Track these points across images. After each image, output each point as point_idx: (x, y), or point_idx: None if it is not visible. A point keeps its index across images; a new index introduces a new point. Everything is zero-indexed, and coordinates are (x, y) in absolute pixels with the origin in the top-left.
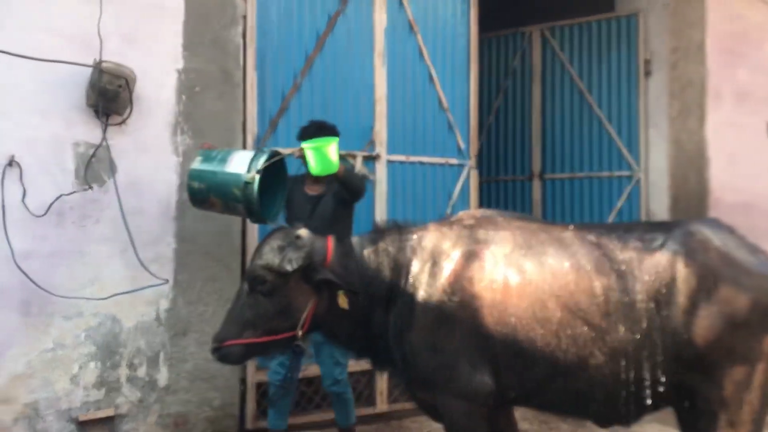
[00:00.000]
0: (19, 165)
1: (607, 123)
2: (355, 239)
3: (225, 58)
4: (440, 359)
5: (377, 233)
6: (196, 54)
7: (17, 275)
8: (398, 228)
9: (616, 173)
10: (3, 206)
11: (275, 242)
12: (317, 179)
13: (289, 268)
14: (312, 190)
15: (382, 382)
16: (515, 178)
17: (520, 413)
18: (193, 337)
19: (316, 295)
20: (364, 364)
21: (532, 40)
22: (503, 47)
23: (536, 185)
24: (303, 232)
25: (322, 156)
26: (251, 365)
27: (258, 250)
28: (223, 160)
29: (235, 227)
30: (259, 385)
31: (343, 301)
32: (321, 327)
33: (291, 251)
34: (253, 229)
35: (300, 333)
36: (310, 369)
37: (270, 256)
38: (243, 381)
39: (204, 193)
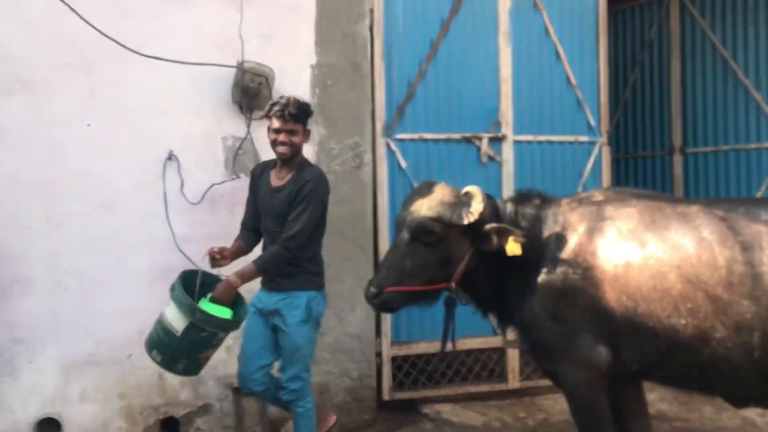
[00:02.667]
0: (177, 159)
1: (754, 91)
2: (499, 201)
3: (354, 51)
4: (560, 328)
5: (520, 199)
6: (328, 49)
7: (179, 257)
8: (539, 197)
9: (766, 144)
10: (165, 195)
11: (444, 196)
12: (282, 167)
13: (464, 222)
14: (276, 181)
15: (513, 359)
16: (654, 154)
17: (658, 394)
18: (332, 312)
19: (473, 249)
20: (494, 342)
21: (669, 8)
22: (638, 18)
23: (677, 160)
24: (474, 189)
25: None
26: (386, 340)
27: (418, 202)
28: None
29: (368, 211)
30: (394, 359)
31: (513, 248)
32: (463, 281)
33: (462, 206)
34: (384, 212)
35: (453, 285)
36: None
37: (441, 209)
38: (379, 355)
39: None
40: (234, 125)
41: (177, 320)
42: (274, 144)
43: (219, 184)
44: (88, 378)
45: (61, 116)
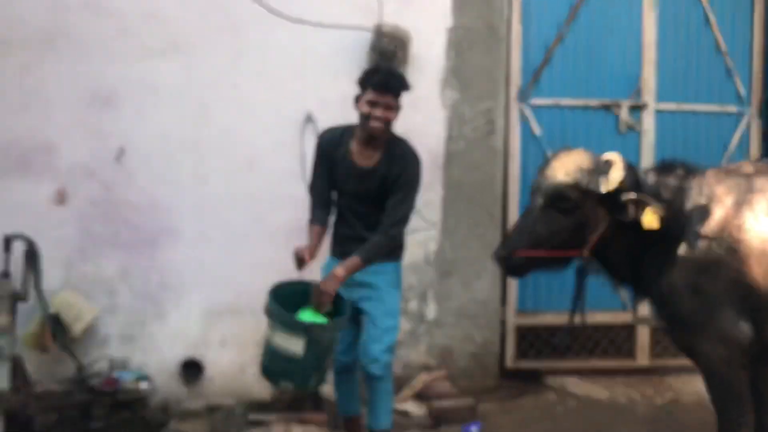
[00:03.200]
0: (314, 120)
1: None
2: (640, 170)
3: (491, 14)
4: (700, 302)
5: (663, 168)
6: (464, 12)
7: None
8: (683, 168)
9: None
10: (302, 155)
11: (582, 162)
12: (368, 144)
13: (603, 190)
14: (363, 160)
15: (643, 336)
16: None
17: None
18: (458, 277)
19: (609, 218)
20: (624, 317)
21: None
22: None
23: None
24: (614, 156)
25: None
26: (511, 309)
27: (555, 167)
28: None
29: (498, 177)
30: (519, 328)
31: (650, 219)
32: (597, 251)
33: (600, 173)
34: (515, 179)
35: (585, 253)
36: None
37: (578, 175)
38: (503, 323)
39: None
40: None
41: (293, 344)
42: (366, 118)
43: None
44: (227, 325)
45: (209, 77)
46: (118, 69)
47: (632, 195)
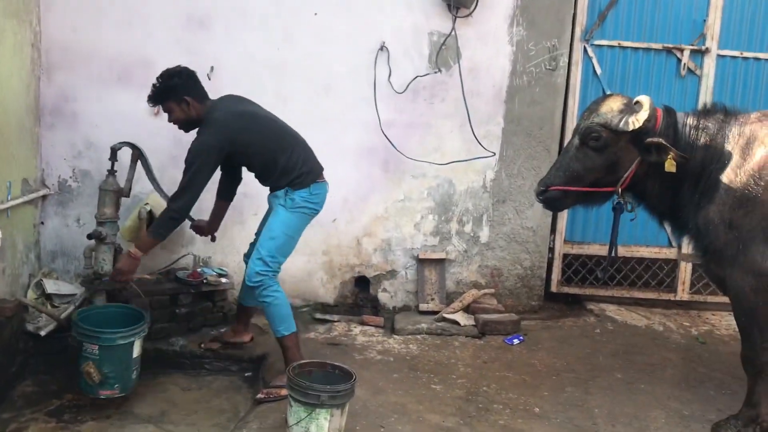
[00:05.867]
0: (387, 50)
1: None
2: (681, 114)
3: None
4: (734, 235)
5: (703, 112)
6: None
7: (382, 139)
8: (724, 111)
9: None
10: (375, 83)
11: (614, 104)
12: None
13: (629, 128)
14: None
15: (685, 272)
16: None
17: None
18: (512, 205)
19: (640, 157)
20: (668, 253)
21: None
22: None
23: None
24: (643, 98)
25: None
26: (559, 237)
27: (591, 110)
28: None
29: (557, 113)
30: (566, 256)
31: (670, 165)
32: (634, 188)
33: (630, 114)
34: (573, 116)
35: (619, 190)
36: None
37: (609, 115)
38: (551, 250)
39: None
40: (440, 21)
41: None
42: None
43: (422, 76)
44: None
45: (294, 4)
46: None
47: (654, 139)
